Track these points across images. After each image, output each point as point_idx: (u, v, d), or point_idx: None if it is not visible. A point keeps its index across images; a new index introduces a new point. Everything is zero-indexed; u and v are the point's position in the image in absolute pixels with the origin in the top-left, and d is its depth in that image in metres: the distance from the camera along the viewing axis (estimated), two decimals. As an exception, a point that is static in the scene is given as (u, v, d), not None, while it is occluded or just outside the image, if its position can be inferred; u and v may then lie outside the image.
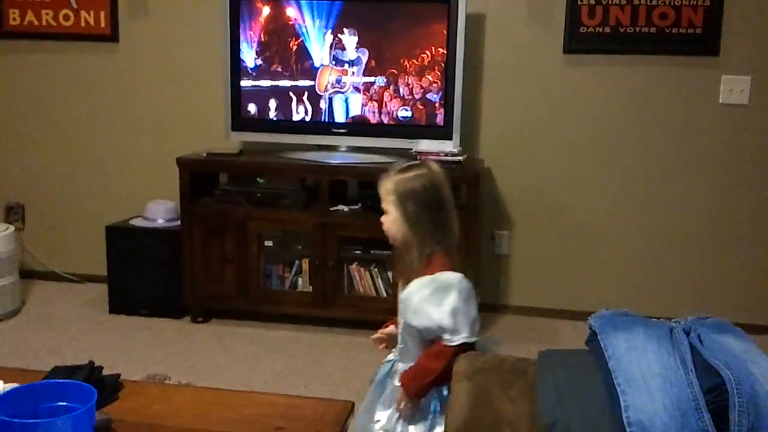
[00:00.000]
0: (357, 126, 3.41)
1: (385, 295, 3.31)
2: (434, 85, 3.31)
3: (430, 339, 1.78)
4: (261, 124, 3.49)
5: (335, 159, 3.38)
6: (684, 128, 3.43)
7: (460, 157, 3.23)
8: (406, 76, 3.33)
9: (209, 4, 3.63)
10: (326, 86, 3.41)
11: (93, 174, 3.97)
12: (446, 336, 1.74)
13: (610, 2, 3.37)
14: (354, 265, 3.36)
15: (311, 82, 3.42)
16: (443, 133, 3.31)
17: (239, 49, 3.43)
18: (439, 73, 3.29)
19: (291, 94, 3.44)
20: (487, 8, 3.49)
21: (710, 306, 3.41)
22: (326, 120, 3.44)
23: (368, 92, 3.37)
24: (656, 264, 3.55)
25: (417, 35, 3.30)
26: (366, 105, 3.38)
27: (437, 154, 3.23)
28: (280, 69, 3.44)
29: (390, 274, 3.30)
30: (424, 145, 3.28)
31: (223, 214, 3.40)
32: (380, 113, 3.38)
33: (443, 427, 1.77)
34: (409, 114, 3.36)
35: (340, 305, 3.36)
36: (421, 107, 3.34)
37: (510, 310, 3.70)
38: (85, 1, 3.79)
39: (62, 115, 3.95)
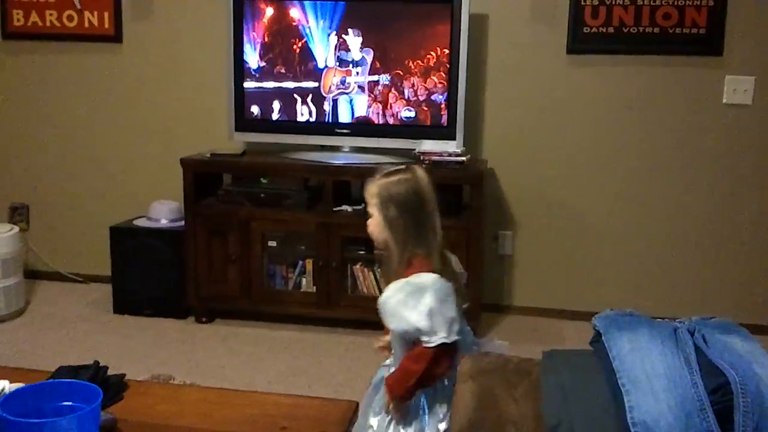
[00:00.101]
0: (360, 126, 3.42)
1: (388, 295, 3.31)
2: (438, 85, 3.31)
3: (411, 341, 1.78)
4: (264, 124, 3.50)
5: (338, 159, 3.38)
6: (687, 128, 3.43)
7: (463, 158, 3.23)
8: (410, 77, 3.33)
9: (213, 5, 3.63)
10: (330, 87, 3.41)
11: (97, 174, 3.98)
12: (425, 338, 1.73)
13: (613, 2, 3.36)
14: (357, 266, 3.36)
15: (315, 84, 3.42)
16: (446, 133, 3.31)
17: (242, 51, 3.43)
18: (442, 74, 3.29)
19: (295, 95, 3.45)
20: (491, 8, 3.49)
21: (714, 306, 3.41)
22: (330, 120, 3.44)
23: (373, 93, 3.37)
24: (660, 264, 3.55)
25: (420, 35, 3.30)
26: (371, 106, 3.38)
27: (440, 154, 3.23)
28: (283, 70, 3.44)
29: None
30: (428, 145, 3.28)
31: (226, 214, 3.40)
32: (384, 114, 3.38)
33: (439, 425, 1.77)
34: (412, 114, 3.36)
35: (343, 305, 3.36)
36: (424, 108, 3.35)
37: (513, 311, 3.70)
38: (89, 2, 3.80)
39: (66, 116, 3.96)
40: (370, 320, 3.07)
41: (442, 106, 3.32)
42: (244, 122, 3.50)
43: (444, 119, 3.32)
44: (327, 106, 3.43)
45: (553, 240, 3.62)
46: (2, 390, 1.50)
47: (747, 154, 3.40)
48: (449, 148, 3.26)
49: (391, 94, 3.36)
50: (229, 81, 3.47)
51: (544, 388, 1.54)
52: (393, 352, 1.89)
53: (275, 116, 3.48)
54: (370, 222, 1.88)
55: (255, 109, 3.49)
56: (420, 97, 3.34)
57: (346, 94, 3.41)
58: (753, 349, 1.43)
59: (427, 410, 1.80)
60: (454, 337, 1.73)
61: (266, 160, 3.47)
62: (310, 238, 3.38)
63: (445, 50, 3.27)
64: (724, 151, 3.42)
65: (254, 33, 3.43)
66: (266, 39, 3.43)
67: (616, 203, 3.54)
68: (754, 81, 3.33)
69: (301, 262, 3.42)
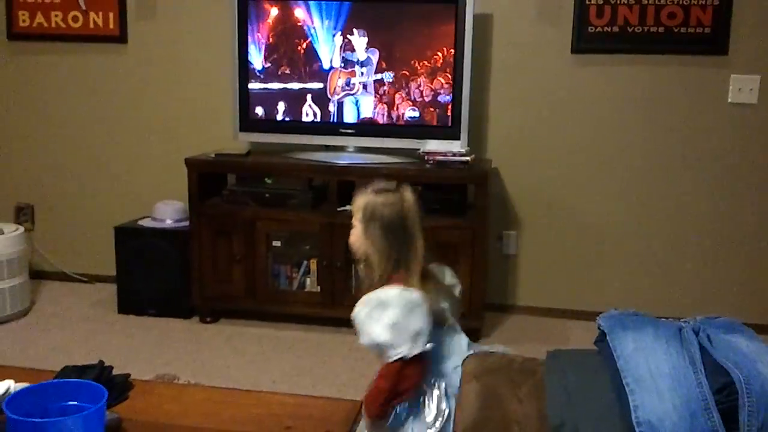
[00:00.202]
0: (365, 126, 3.42)
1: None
2: (442, 85, 3.31)
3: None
4: (269, 124, 3.50)
5: (343, 159, 3.38)
6: (693, 128, 3.42)
7: (467, 158, 3.23)
8: (415, 77, 3.33)
9: (217, 6, 3.64)
10: (335, 89, 3.41)
11: (102, 175, 3.99)
12: (387, 352, 1.73)
13: (618, 2, 3.36)
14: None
15: (320, 85, 3.42)
16: (451, 133, 3.31)
17: (247, 51, 3.44)
18: (446, 73, 3.29)
19: (300, 96, 3.45)
20: (495, 8, 3.49)
21: (718, 306, 3.40)
22: (334, 121, 3.44)
23: (378, 93, 3.37)
24: (664, 264, 3.54)
25: (425, 35, 3.30)
26: (376, 107, 3.38)
27: (445, 154, 3.23)
28: (288, 71, 3.44)
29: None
30: (432, 145, 3.28)
31: (231, 214, 3.41)
32: (388, 114, 3.38)
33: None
34: (416, 114, 3.36)
35: (347, 305, 3.30)
36: (428, 107, 3.35)
37: (518, 310, 3.70)
38: (94, 3, 3.81)
39: (71, 116, 3.97)
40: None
41: (447, 106, 3.32)
42: (248, 122, 3.50)
43: (448, 119, 3.32)
44: (332, 108, 3.43)
45: (557, 240, 3.61)
46: (7, 389, 1.51)
47: (752, 153, 3.39)
48: (454, 147, 3.26)
49: (396, 95, 3.36)
50: (234, 82, 3.47)
51: (549, 388, 1.55)
52: None
53: (280, 116, 3.49)
54: (352, 233, 1.91)
55: (259, 111, 3.49)
56: (425, 97, 3.34)
57: (352, 95, 3.41)
58: (758, 349, 1.43)
59: (412, 419, 1.77)
60: (416, 351, 1.71)
61: (271, 160, 3.47)
62: (314, 238, 3.38)
63: (448, 50, 3.26)
64: (730, 151, 3.41)
65: (259, 33, 3.43)
66: (271, 40, 3.43)
67: (620, 203, 3.54)
68: (759, 80, 3.32)
69: (305, 262, 3.42)
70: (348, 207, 3.28)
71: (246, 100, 3.48)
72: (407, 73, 3.33)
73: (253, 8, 3.41)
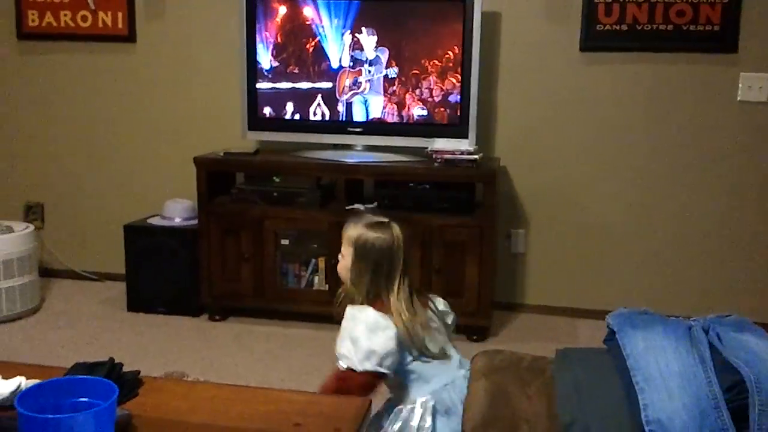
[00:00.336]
0: (373, 125, 3.42)
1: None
2: (450, 83, 3.31)
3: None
4: (277, 123, 3.51)
5: (351, 158, 3.39)
6: (702, 126, 3.41)
7: (475, 156, 3.23)
8: (424, 75, 3.33)
9: (226, 4, 3.65)
10: (344, 89, 3.41)
11: (111, 173, 4.00)
12: (340, 360, 1.86)
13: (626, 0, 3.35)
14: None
15: (329, 84, 3.42)
16: (459, 131, 3.31)
17: (255, 51, 3.44)
18: (454, 72, 3.29)
19: (308, 96, 3.45)
20: (503, 6, 3.48)
21: (728, 305, 3.38)
22: (343, 119, 3.44)
23: (388, 92, 3.37)
24: (673, 262, 3.53)
25: (433, 33, 3.29)
26: (386, 107, 3.38)
27: (453, 152, 3.23)
28: (296, 71, 3.45)
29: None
30: (440, 144, 3.28)
31: (239, 213, 3.41)
32: (397, 112, 3.38)
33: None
34: (425, 113, 3.36)
35: (356, 304, 3.36)
36: (437, 106, 3.34)
37: (526, 309, 3.69)
38: (103, 2, 3.82)
39: (80, 115, 3.98)
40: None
41: (453, 103, 3.31)
42: (256, 121, 3.51)
43: (456, 117, 3.32)
44: (341, 107, 3.43)
45: (566, 238, 3.61)
46: (18, 386, 1.51)
47: (762, 151, 3.37)
48: (462, 146, 3.26)
49: (405, 93, 3.36)
50: (242, 81, 3.48)
51: (558, 386, 1.55)
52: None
53: (288, 115, 3.49)
54: (340, 262, 2.03)
55: (267, 110, 3.50)
56: (435, 96, 3.34)
57: (360, 94, 3.41)
58: (768, 347, 1.42)
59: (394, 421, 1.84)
60: (360, 367, 1.81)
61: (279, 158, 3.48)
62: (322, 237, 3.39)
63: (456, 48, 3.26)
64: (739, 149, 3.39)
65: (267, 33, 3.44)
66: (279, 39, 3.44)
67: (629, 201, 3.53)
68: (769, 78, 3.31)
69: (313, 261, 3.43)
70: (356, 205, 3.31)
71: (254, 98, 3.48)
72: (418, 72, 3.33)
73: (262, 7, 3.42)
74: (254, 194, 3.43)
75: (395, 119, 3.39)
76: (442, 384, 1.87)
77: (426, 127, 3.36)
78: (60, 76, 3.97)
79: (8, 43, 3.97)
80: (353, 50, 3.37)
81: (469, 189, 3.33)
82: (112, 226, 3.82)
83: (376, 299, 1.93)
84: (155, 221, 3.64)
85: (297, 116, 3.48)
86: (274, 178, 3.48)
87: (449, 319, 2.09)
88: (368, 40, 3.35)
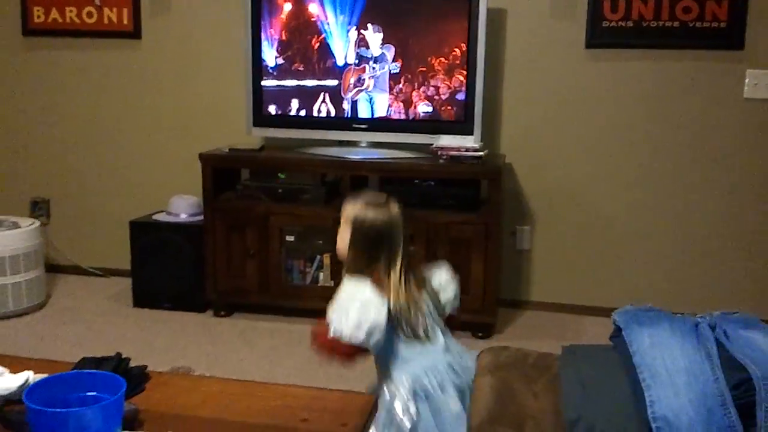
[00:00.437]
0: (378, 122, 3.42)
1: (405, 290, 3.31)
2: (455, 80, 3.30)
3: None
4: (282, 120, 3.51)
5: (356, 154, 3.39)
6: (708, 123, 3.40)
7: (481, 153, 3.23)
8: (429, 72, 3.32)
9: (231, 1, 3.65)
10: (349, 87, 3.41)
11: (117, 169, 4.01)
12: (331, 328, 1.86)
13: (633, -4, 3.34)
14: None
15: (334, 81, 3.42)
16: (464, 128, 3.30)
17: (260, 48, 3.44)
18: (460, 69, 3.29)
19: (313, 93, 3.45)
20: (509, 3, 3.48)
21: (735, 302, 3.38)
22: (348, 116, 3.44)
23: (393, 89, 3.37)
24: (679, 259, 3.52)
25: (438, 30, 3.29)
26: (392, 105, 3.38)
27: (458, 149, 3.23)
28: (301, 68, 3.44)
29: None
30: (445, 140, 3.28)
31: (245, 209, 3.42)
32: (402, 109, 3.38)
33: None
34: (430, 109, 3.36)
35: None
36: (442, 102, 3.34)
37: (532, 306, 3.69)
38: (109, -1, 3.83)
39: (86, 111, 3.99)
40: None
41: (460, 101, 3.31)
42: (262, 118, 3.51)
43: (461, 114, 3.32)
44: (346, 105, 3.43)
45: (571, 235, 3.60)
46: (26, 381, 1.52)
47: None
48: (467, 143, 3.25)
49: (410, 90, 3.36)
50: (247, 78, 3.48)
51: (564, 383, 1.54)
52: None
53: (293, 112, 3.49)
54: (339, 238, 2.03)
55: (272, 107, 3.50)
56: (440, 93, 3.33)
57: (363, 90, 3.41)
58: (775, 345, 1.42)
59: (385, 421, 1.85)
60: (347, 339, 1.82)
61: (284, 155, 3.48)
62: (327, 233, 3.38)
63: (462, 44, 3.26)
64: (745, 146, 3.38)
65: (272, 30, 3.44)
66: (284, 35, 3.44)
67: (634, 198, 3.52)
68: (775, 75, 3.30)
69: (318, 257, 3.44)
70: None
71: (259, 95, 3.49)
72: (424, 69, 3.32)
73: (267, 4, 3.42)
74: (259, 191, 3.43)
75: (400, 116, 3.39)
76: (421, 367, 1.86)
77: (431, 124, 3.36)
78: (65, 72, 3.97)
79: (14, 40, 3.98)
80: (359, 47, 3.37)
81: (474, 186, 3.33)
82: (118, 221, 3.83)
83: (373, 276, 1.92)
84: (161, 217, 3.65)
85: (302, 113, 3.49)
86: (279, 174, 3.48)
87: (449, 292, 2.03)
88: (374, 37, 3.35)
